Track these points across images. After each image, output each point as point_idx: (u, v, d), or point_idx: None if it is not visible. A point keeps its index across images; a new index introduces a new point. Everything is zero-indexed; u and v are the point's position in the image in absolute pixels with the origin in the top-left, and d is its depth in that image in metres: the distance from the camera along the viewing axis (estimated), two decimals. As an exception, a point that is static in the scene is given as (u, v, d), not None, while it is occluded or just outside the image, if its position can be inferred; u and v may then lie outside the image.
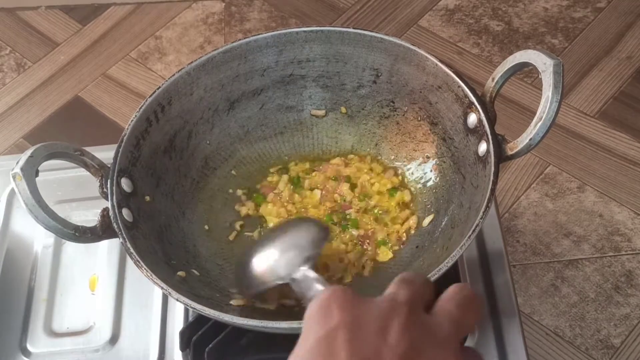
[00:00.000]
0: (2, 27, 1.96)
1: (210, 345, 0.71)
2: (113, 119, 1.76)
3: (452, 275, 0.77)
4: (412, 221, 0.78)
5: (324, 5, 1.95)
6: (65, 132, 1.74)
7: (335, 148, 0.85)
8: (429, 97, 0.78)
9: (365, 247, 0.77)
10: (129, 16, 1.96)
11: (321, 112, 0.85)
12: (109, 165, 0.71)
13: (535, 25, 1.87)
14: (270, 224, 0.79)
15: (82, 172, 0.72)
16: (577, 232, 1.51)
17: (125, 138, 0.73)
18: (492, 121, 0.71)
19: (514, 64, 0.69)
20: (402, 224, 0.78)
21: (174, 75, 0.78)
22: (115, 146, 0.72)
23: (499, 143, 0.69)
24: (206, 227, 0.79)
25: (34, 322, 0.79)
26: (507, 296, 0.77)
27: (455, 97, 0.74)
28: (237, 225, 0.80)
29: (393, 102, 0.82)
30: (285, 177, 0.82)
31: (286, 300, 0.71)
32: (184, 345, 0.74)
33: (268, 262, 0.67)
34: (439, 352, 0.42)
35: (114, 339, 0.78)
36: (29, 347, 0.78)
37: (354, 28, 0.80)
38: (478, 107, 0.71)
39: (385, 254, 0.76)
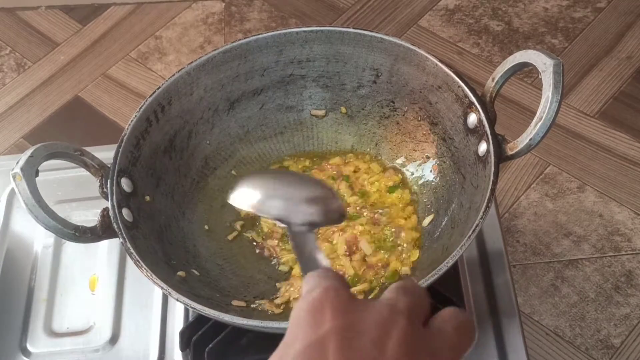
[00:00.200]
0: (2, 27, 1.96)
1: (210, 345, 0.71)
2: (113, 119, 1.76)
3: (452, 275, 0.77)
4: (412, 220, 0.78)
5: (324, 5, 1.95)
6: (65, 132, 1.74)
7: (335, 148, 0.85)
8: (429, 97, 0.78)
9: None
10: (129, 16, 1.96)
11: (321, 112, 0.85)
12: (109, 165, 0.71)
13: (535, 25, 1.87)
14: (265, 229, 0.79)
15: (82, 172, 0.72)
16: (577, 232, 1.51)
17: (125, 138, 0.73)
18: (492, 121, 0.71)
19: (514, 64, 0.69)
20: (406, 219, 0.78)
21: (174, 75, 0.78)
22: (115, 146, 0.72)
23: (499, 143, 0.69)
24: (206, 227, 0.79)
25: (34, 322, 0.79)
26: (507, 296, 0.77)
27: (455, 97, 0.74)
28: (237, 225, 0.80)
29: (393, 102, 0.82)
30: None
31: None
32: (184, 345, 0.74)
33: (279, 196, 0.55)
34: None
35: (114, 339, 0.78)
36: (29, 347, 0.78)
37: (354, 28, 0.80)
38: (478, 107, 0.71)
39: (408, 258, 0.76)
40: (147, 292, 0.80)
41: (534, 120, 0.66)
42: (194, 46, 1.89)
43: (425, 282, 0.63)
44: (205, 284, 0.72)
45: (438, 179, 0.79)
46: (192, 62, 0.78)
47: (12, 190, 0.88)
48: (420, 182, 0.80)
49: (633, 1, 1.89)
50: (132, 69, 1.85)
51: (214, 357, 0.72)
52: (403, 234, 0.77)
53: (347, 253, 0.76)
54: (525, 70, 1.48)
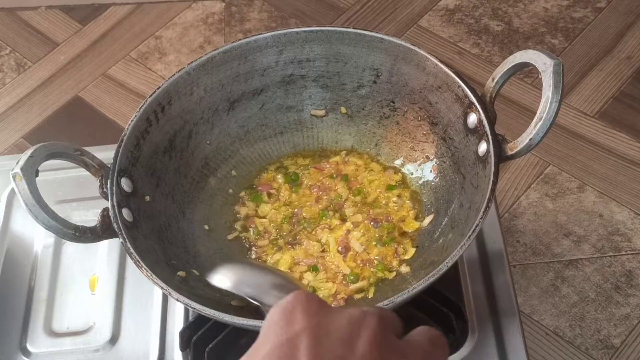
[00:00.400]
0: (2, 27, 1.96)
1: (210, 345, 0.71)
2: (113, 119, 1.76)
3: (452, 275, 0.77)
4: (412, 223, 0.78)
5: (324, 5, 1.95)
6: (65, 132, 1.74)
7: (335, 148, 0.85)
8: (429, 97, 0.78)
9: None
10: (129, 16, 1.96)
11: (321, 112, 0.85)
12: (109, 165, 0.71)
13: (535, 25, 1.87)
14: (260, 228, 0.80)
15: (82, 172, 0.72)
16: (577, 232, 1.51)
17: (125, 138, 0.73)
18: (492, 121, 0.71)
19: (514, 64, 0.69)
20: (404, 219, 0.78)
21: (174, 75, 0.78)
22: (115, 146, 0.72)
23: (499, 143, 0.69)
24: (206, 227, 0.79)
25: (34, 322, 0.79)
26: (507, 296, 0.77)
27: (455, 97, 0.74)
28: (237, 225, 0.80)
29: (393, 102, 0.82)
30: (280, 176, 0.83)
31: None
32: (184, 345, 0.74)
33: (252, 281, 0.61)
34: None
35: (114, 339, 0.78)
36: (29, 347, 0.78)
37: (354, 28, 0.80)
38: (478, 107, 0.71)
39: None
40: (147, 292, 0.80)
41: (534, 120, 0.66)
42: (194, 46, 1.89)
43: (425, 282, 0.63)
44: (205, 284, 0.72)
45: (438, 179, 0.79)
46: (192, 62, 0.78)
47: (12, 190, 0.88)
48: (420, 182, 0.80)
49: (633, 1, 1.89)
50: (132, 69, 1.85)
51: (214, 357, 0.72)
52: (400, 232, 0.77)
53: (341, 252, 0.77)
54: (525, 70, 1.48)
